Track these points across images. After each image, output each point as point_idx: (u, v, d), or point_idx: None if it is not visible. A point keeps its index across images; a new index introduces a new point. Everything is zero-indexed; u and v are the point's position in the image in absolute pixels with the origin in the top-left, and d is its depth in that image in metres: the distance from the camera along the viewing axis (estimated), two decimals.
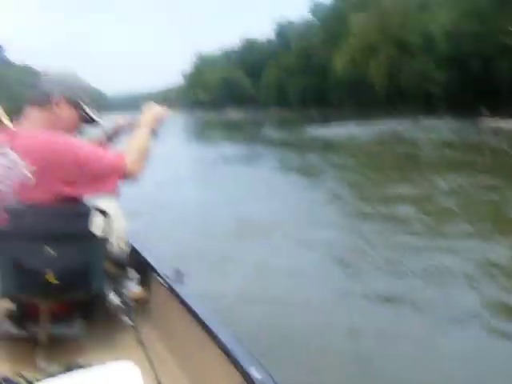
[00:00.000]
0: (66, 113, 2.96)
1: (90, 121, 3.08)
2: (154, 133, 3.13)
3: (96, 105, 3.12)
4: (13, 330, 3.10)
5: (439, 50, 56.56)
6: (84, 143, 2.98)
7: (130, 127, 3.37)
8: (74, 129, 3.04)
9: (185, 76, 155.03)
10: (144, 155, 2.98)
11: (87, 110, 3.03)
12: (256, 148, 23.22)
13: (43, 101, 2.92)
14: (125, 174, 2.89)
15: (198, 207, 10.71)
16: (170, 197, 11.52)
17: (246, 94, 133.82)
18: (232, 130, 37.40)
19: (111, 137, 3.60)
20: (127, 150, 2.98)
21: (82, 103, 3.01)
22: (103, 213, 2.87)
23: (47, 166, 2.72)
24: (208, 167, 17.58)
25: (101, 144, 3.55)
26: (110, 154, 2.95)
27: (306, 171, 15.68)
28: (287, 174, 14.99)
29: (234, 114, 75.75)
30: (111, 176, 2.86)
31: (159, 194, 11.27)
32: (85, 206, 2.90)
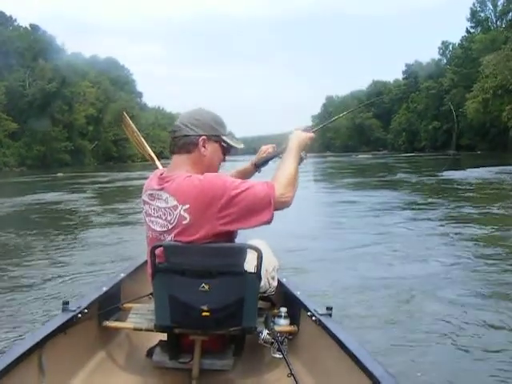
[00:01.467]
0: (211, 150, 3.08)
1: (231, 149, 3.17)
2: (300, 158, 3.16)
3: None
4: (167, 360, 3.26)
5: None
6: (233, 178, 3.03)
7: (277, 154, 3.38)
8: (219, 162, 3.17)
9: (315, 119, 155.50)
10: (293, 182, 2.96)
11: (228, 140, 3.13)
12: (389, 193, 22.84)
13: (190, 146, 3.06)
14: (276, 203, 2.88)
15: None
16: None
17: (375, 137, 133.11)
18: (361, 174, 37.07)
19: (259, 165, 3.61)
20: (276, 177, 2.98)
21: (222, 136, 3.11)
22: (256, 250, 2.93)
23: (201, 205, 2.83)
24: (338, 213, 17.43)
25: (247, 173, 3.66)
26: (259, 185, 2.93)
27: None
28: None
29: (363, 158, 75.16)
30: (263, 207, 2.87)
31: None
32: (238, 244, 3.02)
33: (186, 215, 2.85)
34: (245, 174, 3.59)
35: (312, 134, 3.26)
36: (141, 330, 3.30)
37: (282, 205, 2.90)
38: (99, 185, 33.31)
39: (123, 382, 3.18)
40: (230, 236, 3.03)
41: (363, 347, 2.67)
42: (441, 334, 5.54)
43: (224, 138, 3.11)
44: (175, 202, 2.88)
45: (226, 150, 3.15)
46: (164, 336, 3.28)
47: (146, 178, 3.25)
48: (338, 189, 25.39)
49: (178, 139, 3.08)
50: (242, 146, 3.22)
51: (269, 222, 2.88)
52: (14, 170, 74.85)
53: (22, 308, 6.57)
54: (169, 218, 2.92)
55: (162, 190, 2.98)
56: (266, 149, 3.58)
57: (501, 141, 70.29)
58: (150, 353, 3.38)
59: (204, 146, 3.05)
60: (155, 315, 3.06)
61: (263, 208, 2.85)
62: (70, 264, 9.40)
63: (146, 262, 3.77)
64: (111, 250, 10.67)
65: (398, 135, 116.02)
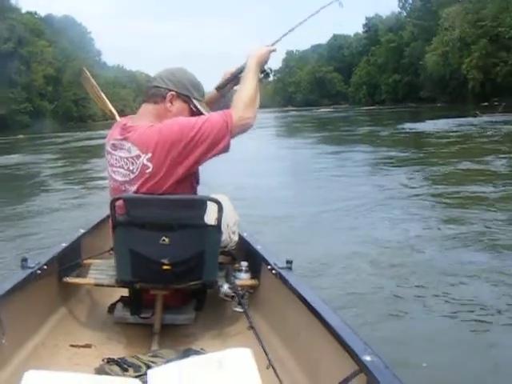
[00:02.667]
0: (177, 107, 3.05)
1: (198, 114, 3.09)
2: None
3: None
4: (128, 316, 3.26)
5: None
6: (189, 117, 3.02)
7: (237, 74, 3.28)
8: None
9: (275, 73, 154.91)
10: (252, 102, 2.99)
11: (197, 104, 3.09)
12: (349, 144, 22.99)
13: (157, 97, 3.04)
14: (235, 128, 2.91)
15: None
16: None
17: (336, 90, 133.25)
18: (322, 127, 37.21)
19: (220, 88, 3.50)
20: (234, 101, 3.01)
21: (192, 98, 3.09)
22: (216, 203, 2.93)
23: (162, 152, 2.82)
24: (298, 163, 17.51)
25: (212, 101, 3.51)
26: (215, 116, 2.96)
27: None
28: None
29: (324, 112, 75.27)
30: (222, 136, 2.89)
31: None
32: (199, 196, 3.02)
33: (149, 164, 2.84)
34: (211, 103, 3.45)
35: (272, 47, 3.23)
36: (102, 285, 3.27)
37: (243, 127, 2.96)
38: (61, 145, 32.92)
39: (85, 338, 3.16)
40: (192, 187, 3.05)
41: (321, 299, 2.69)
42: (395, 280, 5.78)
43: (194, 101, 3.08)
44: (138, 152, 2.87)
45: (195, 114, 3.08)
46: (125, 291, 3.27)
47: (105, 138, 3.21)
48: (301, 144, 25.38)
49: (150, 89, 3.08)
50: (208, 112, 3.12)
51: (226, 149, 2.92)
52: None
53: None
54: (131, 168, 2.90)
55: (124, 139, 2.96)
56: (229, 71, 3.44)
57: (460, 93, 70.75)
58: (111, 309, 3.37)
59: (171, 102, 3.03)
60: (116, 270, 3.06)
61: (222, 137, 2.88)
62: (30, 225, 9.33)
63: (107, 216, 3.74)
64: (74, 209, 10.65)
65: (358, 89, 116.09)
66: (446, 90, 75.40)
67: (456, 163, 14.81)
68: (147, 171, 2.85)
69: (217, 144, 2.88)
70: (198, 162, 2.92)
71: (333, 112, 72.62)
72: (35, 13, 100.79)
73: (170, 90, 3.02)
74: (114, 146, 3.03)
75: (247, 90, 3.02)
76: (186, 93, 3.06)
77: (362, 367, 2.00)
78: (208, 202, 2.93)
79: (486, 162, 14.56)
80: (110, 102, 4.91)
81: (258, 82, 3.08)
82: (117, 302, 3.36)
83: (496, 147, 18.09)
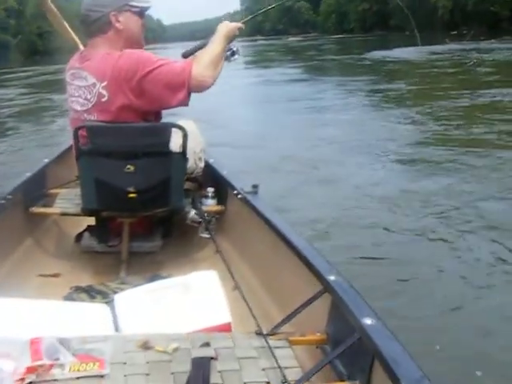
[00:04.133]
0: (125, 21, 2.96)
1: (144, 10, 3.04)
2: (231, 52, 3.09)
3: (154, 35, 3.10)
4: (95, 244, 3.27)
5: None
6: (151, 54, 2.95)
7: (205, 43, 3.11)
8: (139, 30, 3.05)
9: (244, 1, 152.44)
10: (215, 62, 2.89)
11: (137, 3, 2.99)
12: (315, 71, 22.91)
13: (103, 27, 2.95)
14: (193, 82, 2.82)
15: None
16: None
17: (305, 19, 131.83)
18: (292, 55, 36.97)
19: (187, 56, 3.23)
20: (197, 57, 2.95)
21: (129, 2, 2.96)
22: (180, 129, 2.91)
23: (117, 81, 2.78)
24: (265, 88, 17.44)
25: None
26: (177, 62, 2.90)
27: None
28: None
29: (294, 40, 74.52)
30: (179, 85, 2.82)
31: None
32: (162, 123, 2.99)
33: (105, 92, 2.81)
34: None
35: (240, 24, 3.16)
36: (68, 214, 3.27)
37: (200, 84, 2.85)
38: (28, 79, 32.09)
39: (52, 268, 3.16)
40: (156, 118, 3.02)
41: (287, 222, 2.72)
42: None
43: (132, 3, 2.98)
44: (94, 80, 2.84)
45: (140, 13, 3.03)
46: (92, 220, 3.28)
47: None
48: (272, 73, 25.18)
49: (90, 25, 2.97)
50: (149, 3, 3.07)
51: (184, 102, 2.86)
52: None
53: None
54: (89, 97, 2.87)
55: (81, 68, 2.92)
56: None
57: (429, 22, 70.33)
58: (78, 238, 3.36)
59: (118, 21, 2.94)
60: (82, 199, 3.05)
61: (179, 86, 2.81)
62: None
63: (71, 146, 3.71)
64: (41, 140, 10.46)
65: (327, 17, 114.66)
66: (414, 19, 74.91)
67: (421, 89, 14.89)
68: (103, 100, 2.82)
69: (174, 91, 2.81)
70: (153, 103, 2.89)
71: (302, 41, 71.79)
72: None
73: (110, 13, 2.92)
74: (73, 76, 3.00)
75: (212, 50, 2.93)
76: (121, 3, 2.95)
77: (327, 287, 2.03)
78: (173, 129, 2.91)
79: (451, 88, 14.62)
80: (77, 35, 4.80)
81: (223, 49, 2.98)
82: (84, 231, 3.35)
83: (460, 75, 18.17)
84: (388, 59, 27.99)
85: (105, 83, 2.80)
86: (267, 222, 2.74)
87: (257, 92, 17.84)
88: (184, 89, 2.81)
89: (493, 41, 33.70)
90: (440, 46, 32.44)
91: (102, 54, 2.88)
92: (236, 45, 3.13)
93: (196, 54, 3.12)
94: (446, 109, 11.28)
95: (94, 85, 2.84)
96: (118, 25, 2.94)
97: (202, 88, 2.87)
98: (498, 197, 5.84)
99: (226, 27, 3.05)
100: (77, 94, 2.95)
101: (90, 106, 2.88)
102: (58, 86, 25.60)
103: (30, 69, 43.61)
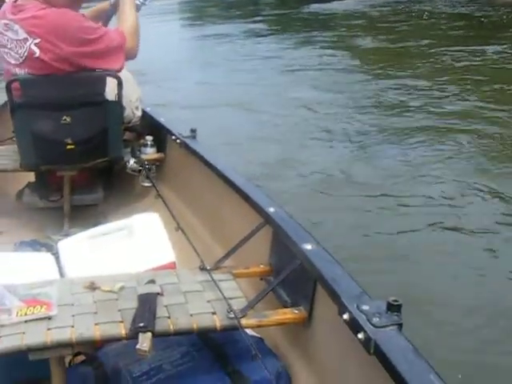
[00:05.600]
0: None
1: None
2: (139, 3, 3.09)
3: None
4: (37, 200, 3.23)
5: None
6: (87, 20, 2.88)
7: (114, 9, 3.16)
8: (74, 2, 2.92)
9: None
10: (137, 32, 2.94)
11: None
12: (252, 25, 22.68)
13: None
14: (128, 53, 2.88)
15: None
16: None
17: None
18: (227, 10, 36.56)
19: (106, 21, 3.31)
20: (122, 29, 2.92)
21: None
22: (115, 77, 2.87)
23: (52, 41, 2.68)
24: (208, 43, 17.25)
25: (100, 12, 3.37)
26: (113, 32, 2.88)
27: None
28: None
29: None
30: (116, 53, 2.83)
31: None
32: (98, 73, 2.90)
33: (36, 50, 2.70)
34: (99, 14, 3.33)
35: None
36: (6, 171, 3.22)
37: (131, 53, 2.90)
38: None
39: None
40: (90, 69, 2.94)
41: (224, 161, 2.74)
42: None
43: None
44: (25, 35, 2.71)
45: None
46: (32, 176, 3.25)
47: None
48: (204, 26, 24.84)
49: None
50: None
51: (119, 69, 2.86)
52: None
53: None
54: (19, 51, 2.77)
55: (13, 20, 2.77)
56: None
57: None
58: (19, 194, 3.31)
59: None
60: (19, 155, 3.01)
61: (114, 55, 2.82)
62: None
63: (4, 102, 3.63)
64: None
65: None
66: None
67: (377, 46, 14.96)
68: (35, 56, 2.71)
69: (110, 59, 2.81)
70: (88, 68, 2.81)
71: None
72: None
73: None
74: (6, 26, 2.84)
75: (131, 21, 2.94)
76: None
77: (267, 219, 2.08)
78: (108, 78, 2.88)
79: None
80: None
81: (135, 12, 3.00)
82: (24, 187, 3.31)
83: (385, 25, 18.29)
84: (327, 12, 27.87)
85: (37, 40, 2.69)
86: (206, 163, 2.76)
87: (190, 50, 17.46)
88: (121, 58, 2.84)
89: None
90: None
91: (37, 7, 2.75)
92: None
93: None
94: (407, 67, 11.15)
95: (25, 40, 2.72)
96: None
97: (133, 56, 2.93)
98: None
99: None
100: (9, 46, 2.82)
101: (20, 60, 2.77)
102: None
103: None
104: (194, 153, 2.92)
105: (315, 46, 14.29)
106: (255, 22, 24.33)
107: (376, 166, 5.58)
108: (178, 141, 3.13)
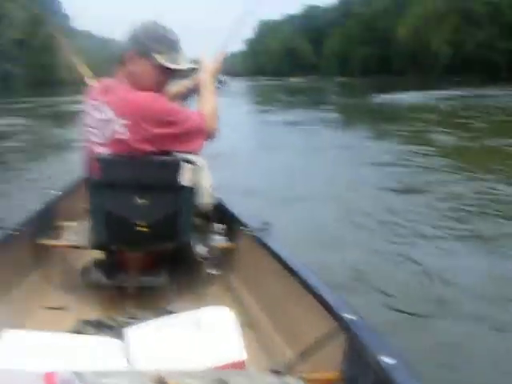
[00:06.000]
0: (140, 67, 2.93)
1: (172, 70, 2.99)
2: (220, 82, 3.26)
3: None
4: (103, 278, 3.23)
5: (505, 19, 55.44)
6: (172, 103, 3.03)
7: (194, 90, 3.34)
8: (155, 82, 2.99)
9: (247, 42, 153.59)
10: (216, 115, 3.07)
11: (160, 59, 2.90)
12: (322, 113, 22.87)
13: (122, 58, 2.97)
14: (208, 134, 3.00)
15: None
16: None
17: (308, 61, 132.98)
18: (296, 96, 37.10)
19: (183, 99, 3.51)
20: (203, 111, 3.05)
21: (153, 53, 2.90)
22: (192, 163, 2.92)
23: (138, 122, 2.78)
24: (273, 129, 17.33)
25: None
26: (194, 114, 3.01)
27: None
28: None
29: (296, 82, 74.96)
30: (197, 135, 2.95)
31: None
32: (174, 157, 2.96)
33: (122, 130, 2.80)
34: (179, 94, 3.47)
35: (221, 57, 3.32)
36: (76, 247, 3.25)
37: (211, 135, 3.02)
38: (34, 110, 32.00)
39: (59, 301, 3.15)
40: (168, 153, 2.98)
41: (298, 260, 2.70)
42: None
43: (156, 56, 2.90)
44: (113, 116, 2.81)
45: (166, 70, 2.96)
46: (99, 253, 3.27)
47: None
48: (275, 111, 25.19)
49: (114, 51, 2.99)
50: (179, 66, 3.00)
51: (198, 151, 2.97)
52: None
53: None
54: (105, 131, 2.85)
55: (102, 101, 2.90)
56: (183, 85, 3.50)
57: (430, 67, 70.96)
58: (85, 271, 3.33)
59: (131, 62, 2.93)
60: (91, 232, 3.04)
61: (195, 137, 2.93)
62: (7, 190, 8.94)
63: (81, 178, 3.71)
64: (49, 171, 10.27)
65: (330, 60, 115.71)
66: (415, 64, 75.59)
67: (426, 134, 14.86)
68: (120, 137, 2.81)
69: (191, 140, 2.93)
70: (170, 150, 2.91)
71: (305, 82, 72.40)
72: None
73: (130, 51, 2.93)
74: (93, 107, 2.96)
75: (211, 103, 3.11)
76: (143, 48, 2.91)
77: (342, 324, 2.02)
78: (183, 163, 2.92)
79: (454, 133, 14.62)
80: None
81: (215, 95, 3.17)
82: (91, 264, 3.32)
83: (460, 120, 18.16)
84: (392, 102, 28.04)
85: (124, 121, 2.79)
86: (279, 259, 2.72)
87: (263, 134, 17.42)
88: (201, 140, 2.96)
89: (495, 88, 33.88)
90: (444, 92, 32.50)
91: (123, 89, 2.88)
92: (222, 77, 3.31)
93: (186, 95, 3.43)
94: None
95: (112, 120, 2.82)
96: (130, 65, 2.94)
97: (212, 138, 3.05)
98: None
99: (209, 72, 3.23)
100: (93, 126, 2.93)
101: (105, 140, 2.86)
102: (64, 117, 25.84)
103: (36, 100, 43.78)
104: (266, 247, 2.90)
105: (389, 139, 14.13)
106: (323, 110, 24.67)
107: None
108: (249, 233, 3.11)
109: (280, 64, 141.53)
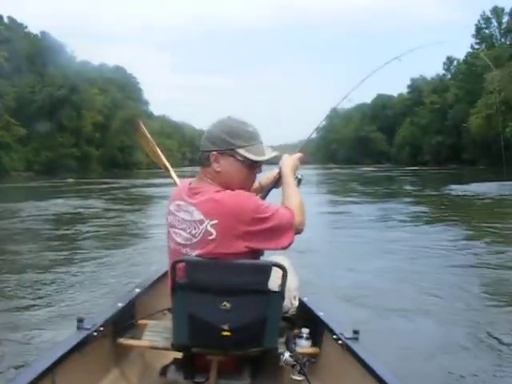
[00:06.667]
0: (225, 165, 2.92)
1: (256, 163, 2.99)
2: (298, 180, 3.25)
3: None
4: (181, 379, 3.15)
5: None
6: (259, 199, 2.99)
7: (276, 183, 3.37)
8: (242, 177, 2.98)
9: (318, 130, 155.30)
10: (303, 209, 3.04)
11: (243, 153, 2.91)
12: (401, 205, 22.69)
13: (206, 161, 2.95)
14: (296, 229, 2.95)
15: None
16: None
17: (379, 149, 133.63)
18: (370, 186, 37.04)
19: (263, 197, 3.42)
20: (289, 206, 3.01)
21: (236, 149, 2.91)
22: (281, 268, 2.86)
23: (229, 222, 2.76)
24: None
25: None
26: (282, 209, 2.95)
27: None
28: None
29: (368, 170, 75.14)
30: (287, 231, 2.89)
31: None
32: (263, 261, 2.94)
33: (213, 231, 2.77)
34: (261, 188, 3.47)
35: (300, 154, 3.36)
36: (157, 348, 3.22)
37: (298, 231, 2.97)
38: (109, 192, 32.78)
39: None
40: (254, 255, 2.94)
41: (391, 372, 2.58)
42: None
43: (239, 150, 2.90)
44: (202, 217, 2.80)
45: (252, 163, 2.96)
46: (179, 354, 3.20)
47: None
48: (347, 202, 25.12)
49: (199, 153, 3.01)
50: (264, 157, 3.00)
51: (288, 246, 2.92)
52: (21, 174, 73.50)
53: (36, 327, 6.27)
54: (193, 232, 2.83)
55: (189, 202, 2.89)
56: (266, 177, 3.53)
57: (501, 156, 70.21)
58: (164, 371, 3.25)
59: (217, 162, 2.91)
60: (173, 333, 2.98)
61: (285, 232, 2.89)
62: (85, 280, 8.84)
63: (162, 275, 3.69)
64: (128, 264, 10.24)
65: (401, 149, 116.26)
66: (488, 153, 75.03)
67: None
68: (210, 237, 2.78)
69: (280, 237, 2.89)
70: (260, 246, 2.90)
71: (376, 171, 72.49)
72: (88, 62, 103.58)
73: (211, 151, 2.92)
74: (178, 207, 2.95)
75: (296, 199, 3.09)
76: (226, 147, 2.90)
77: None
78: (273, 267, 2.85)
79: None
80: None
81: (298, 190, 3.19)
82: (170, 364, 3.25)
83: None
84: (466, 193, 27.65)
85: (214, 222, 2.76)
86: (370, 370, 2.61)
87: (343, 230, 16.18)
88: (290, 235, 2.92)
89: None
90: None
91: (212, 190, 2.87)
92: (299, 173, 3.32)
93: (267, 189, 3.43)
94: None
95: (201, 221, 2.80)
96: (215, 165, 2.91)
97: (300, 232, 3.01)
98: None
99: (289, 166, 3.27)
100: (180, 227, 2.91)
101: (193, 241, 2.84)
102: (140, 202, 26.35)
103: (111, 181, 44.94)
104: (356, 356, 2.79)
105: (483, 237, 13.03)
106: (402, 202, 24.39)
107: None
108: (337, 340, 3.02)
109: (351, 151, 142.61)
